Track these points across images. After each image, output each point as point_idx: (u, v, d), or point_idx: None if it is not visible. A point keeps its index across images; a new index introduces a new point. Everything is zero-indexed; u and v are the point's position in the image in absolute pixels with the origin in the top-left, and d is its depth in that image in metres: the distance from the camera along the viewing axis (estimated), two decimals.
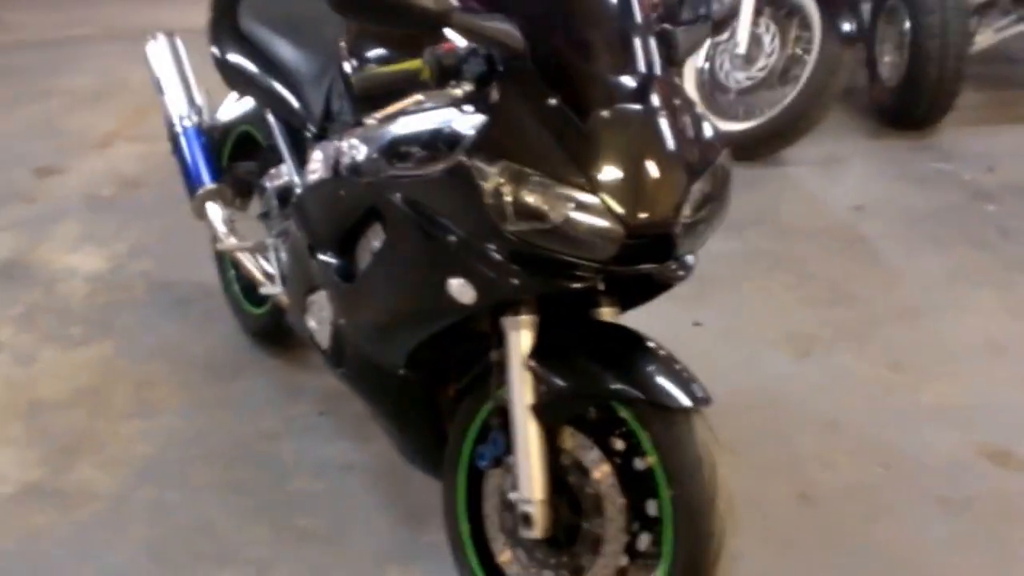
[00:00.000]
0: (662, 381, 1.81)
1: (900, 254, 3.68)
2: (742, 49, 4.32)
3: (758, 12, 4.31)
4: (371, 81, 1.93)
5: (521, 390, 1.87)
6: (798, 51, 4.22)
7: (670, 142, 1.75)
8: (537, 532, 1.91)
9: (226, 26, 2.76)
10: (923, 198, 4.07)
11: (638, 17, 1.83)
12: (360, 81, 1.92)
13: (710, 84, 4.50)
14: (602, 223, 1.70)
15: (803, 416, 2.81)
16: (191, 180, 2.91)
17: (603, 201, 1.70)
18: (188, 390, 2.94)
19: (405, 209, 1.95)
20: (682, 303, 3.29)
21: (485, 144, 1.77)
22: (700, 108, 1.99)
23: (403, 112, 1.91)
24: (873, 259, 3.67)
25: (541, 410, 1.86)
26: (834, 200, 4.09)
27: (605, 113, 1.73)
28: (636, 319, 2.91)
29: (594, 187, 1.70)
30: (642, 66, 1.79)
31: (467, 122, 1.82)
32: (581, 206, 1.70)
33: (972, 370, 3.02)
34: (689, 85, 4.53)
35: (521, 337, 1.87)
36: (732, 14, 2.04)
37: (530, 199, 1.71)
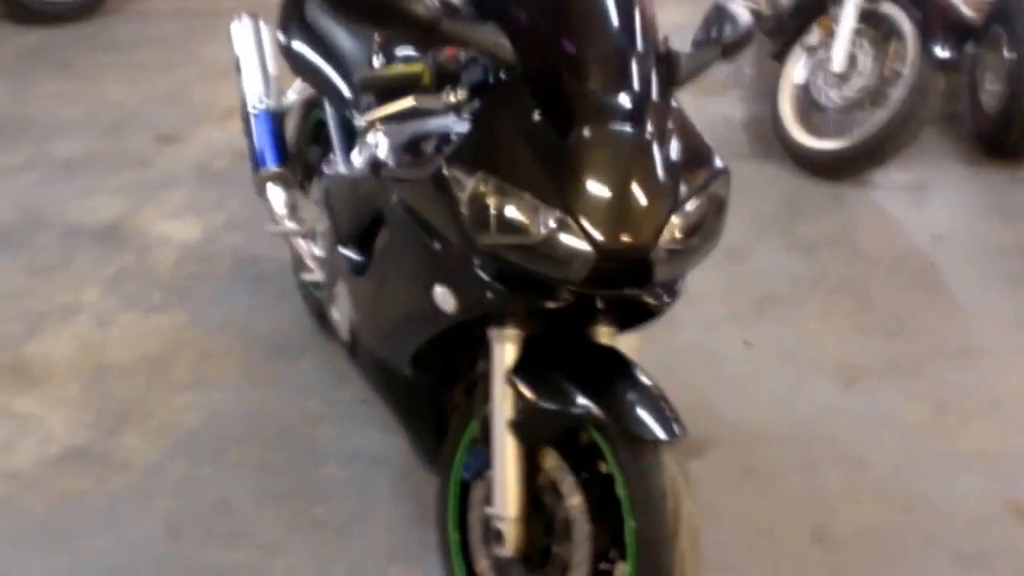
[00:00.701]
0: (637, 410, 1.73)
1: (971, 290, 3.46)
2: (838, 68, 4.12)
3: (856, 32, 4.10)
4: (373, 80, 1.89)
5: (502, 404, 1.81)
6: (893, 73, 3.99)
7: (651, 166, 1.67)
8: (508, 550, 1.86)
9: (293, 14, 2.74)
10: (1007, 233, 3.81)
11: (637, 36, 1.75)
12: (363, 80, 1.88)
13: (805, 101, 4.31)
14: (574, 243, 1.63)
15: (834, 449, 2.68)
16: (256, 161, 2.92)
17: (576, 221, 1.62)
18: (245, 366, 2.96)
19: (400, 211, 1.92)
20: (737, 321, 3.19)
21: (465, 154, 1.71)
22: (700, 132, 1.88)
23: (401, 115, 1.86)
24: (941, 292, 3.46)
25: (519, 426, 1.80)
26: (914, 227, 3.87)
27: (587, 132, 1.66)
28: (685, 332, 2.78)
29: (568, 206, 1.63)
30: (635, 86, 1.70)
31: (456, 129, 1.78)
32: (554, 224, 1.63)
33: (1016, 420, 2.83)
34: (784, 100, 4.35)
35: (505, 350, 1.81)
36: (743, 39, 1.92)
37: (503, 213, 1.65)
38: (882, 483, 2.57)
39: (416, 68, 1.83)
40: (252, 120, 2.94)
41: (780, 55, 4.48)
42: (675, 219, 1.68)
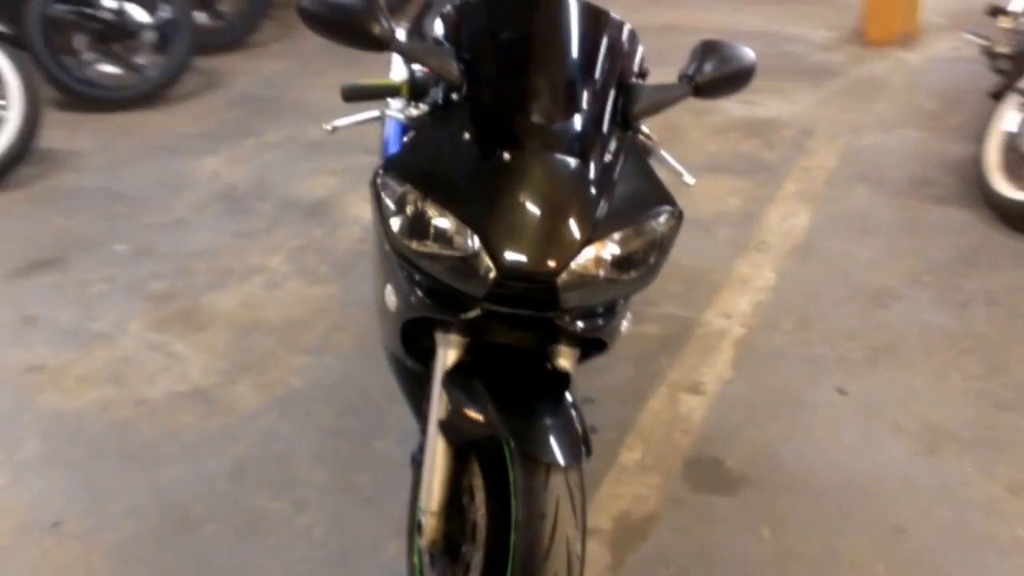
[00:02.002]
0: (541, 431, 1.68)
1: None
2: None
3: None
4: (355, 89, 1.95)
5: (436, 404, 1.82)
6: None
7: (568, 195, 1.63)
8: (423, 542, 1.87)
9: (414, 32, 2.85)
10: None
11: (591, 67, 1.73)
12: (346, 88, 1.94)
13: (1012, 149, 3.86)
14: (478, 260, 1.62)
15: (874, 513, 2.43)
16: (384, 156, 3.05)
17: (483, 240, 1.61)
18: (362, 341, 3.11)
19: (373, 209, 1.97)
20: (843, 365, 2.98)
21: (400, 163, 1.74)
22: (655, 166, 1.83)
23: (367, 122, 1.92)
24: None
25: (446, 428, 1.80)
26: None
27: (507, 156, 1.65)
28: (783, 368, 2.59)
29: (477, 225, 1.62)
30: (570, 117, 1.68)
31: (404, 140, 1.83)
32: (461, 240, 1.63)
33: None
34: (991, 144, 3.92)
35: (447, 354, 1.81)
36: (729, 78, 1.83)
37: (419, 223, 1.66)
38: (910, 559, 2.31)
39: (395, 81, 1.89)
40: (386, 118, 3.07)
41: (998, 95, 4.04)
42: (592, 250, 1.63)
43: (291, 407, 2.81)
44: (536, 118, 1.68)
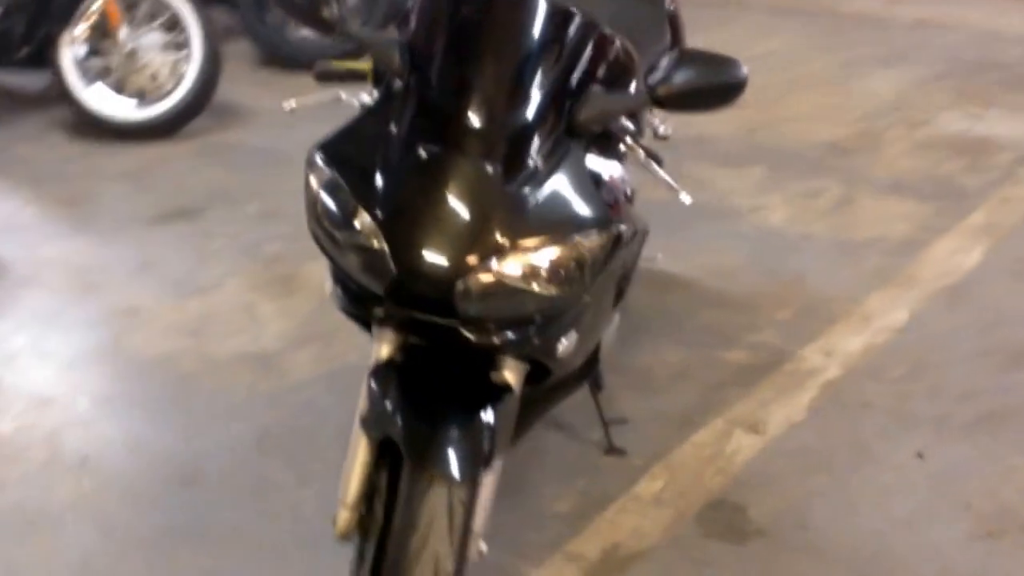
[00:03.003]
0: (439, 441, 1.70)
1: None
2: None
3: None
4: (328, 71, 2.02)
5: (362, 398, 1.86)
6: None
7: (479, 200, 1.64)
8: (336, 533, 1.92)
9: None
10: None
11: (540, 70, 1.74)
12: (319, 69, 2.02)
13: None
14: (380, 259, 1.65)
15: None
16: None
17: (385, 236, 1.64)
18: None
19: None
20: (939, 426, 2.83)
21: (332, 146, 1.78)
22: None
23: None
24: None
25: (364, 422, 1.84)
26: None
27: (425, 155, 1.68)
28: (869, 420, 2.50)
29: (383, 220, 1.65)
30: (497, 119, 1.69)
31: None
32: (367, 236, 1.66)
33: None
34: None
35: (379, 348, 1.85)
36: (687, 94, 1.75)
37: (330, 209, 1.70)
38: None
39: (364, 66, 1.96)
40: None
41: None
42: (499, 260, 1.62)
43: (338, 381, 2.95)
44: (467, 118, 1.69)
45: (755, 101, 5.34)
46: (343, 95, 1.96)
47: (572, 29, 1.83)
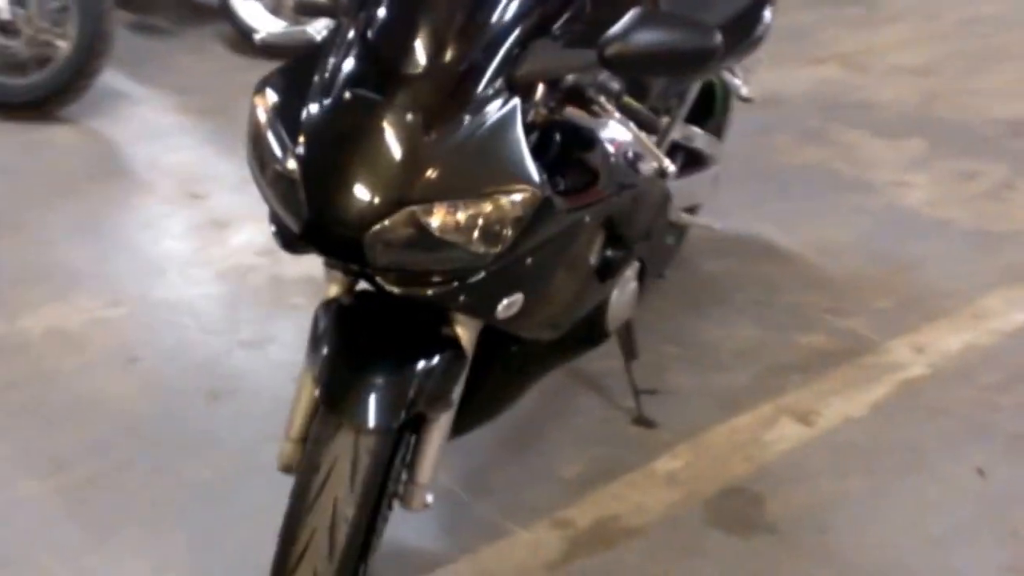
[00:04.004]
0: (357, 386, 1.73)
1: None
2: None
3: None
4: (307, 4, 1.99)
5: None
6: None
7: (393, 148, 1.62)
8: (278, 465, 1.93)
9: None
10: None
11: (487, 20, 1.70)
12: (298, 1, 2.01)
13: None
14: (294, 198, 1.67)
15: None
16: None
17: (301, 175, 1.66)
18: None
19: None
20: (1017, 445, 2.58)
21: (274, 80, 1.79)
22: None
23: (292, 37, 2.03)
24: None
25: (306, 358, 1.85)
26: None
27: (350, 98, 1.68)
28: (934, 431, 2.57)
29: (302, 163, 1.66)
30: (444, 70, 1.67)
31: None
32: (286, 173, 1.68)
33: None
34: None
35: (328, 287, 1.88)
36: (638, 57, 1.65)
37: (261, 145, 1.73)
38: None
39: None
40: None
41: None
42: (412, 212, 1.60)
43: None
44: (396, 64, 1.67)
45: (945, 68, 5.07)
46: (309, 29, 1.97)
47: None
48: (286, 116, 1.72)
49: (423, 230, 1.61)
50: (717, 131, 3.07)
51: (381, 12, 1.74)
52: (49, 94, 4.18)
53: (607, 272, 2.15)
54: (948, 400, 2.74)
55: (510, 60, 1.70)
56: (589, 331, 2.31)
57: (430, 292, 1.72)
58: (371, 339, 1.81)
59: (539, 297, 1.86)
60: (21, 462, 2.41)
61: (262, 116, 1.74)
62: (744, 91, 2.88)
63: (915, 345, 2.96)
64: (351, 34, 1.76)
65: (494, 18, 1.71)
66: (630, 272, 2.31)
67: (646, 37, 1.65)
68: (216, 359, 2.84)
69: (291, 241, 1.77)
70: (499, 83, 1.69)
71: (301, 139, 1.68)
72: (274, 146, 1.71)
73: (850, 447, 2.58)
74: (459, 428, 2.07)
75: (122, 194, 3.74)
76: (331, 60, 1.75)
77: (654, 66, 1.72)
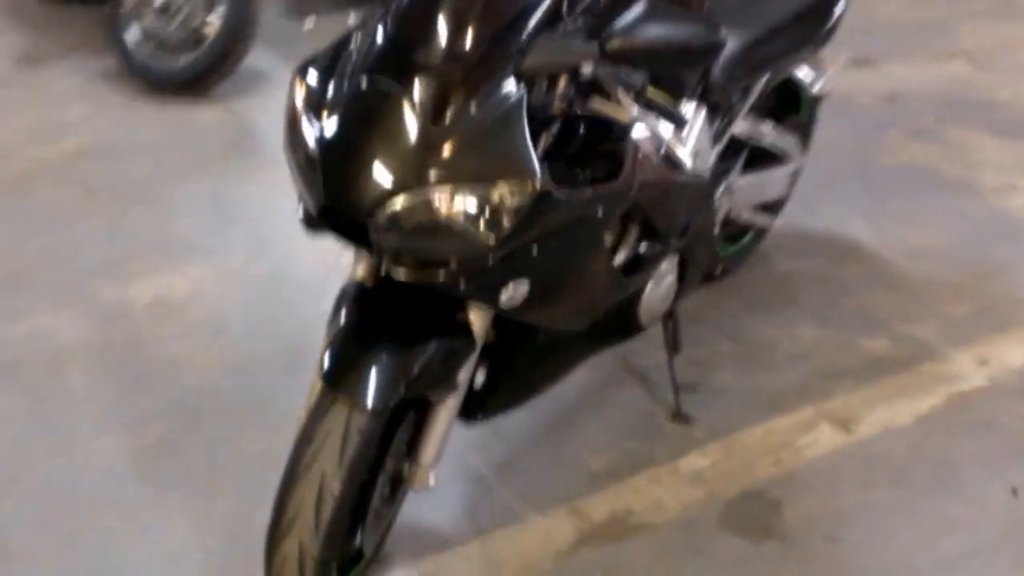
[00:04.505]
0: (357, 364, 1.84)
1: None
2: None
3: None
4: None
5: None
6: None
7: (401, 134, 1.69)
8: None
9: None
10: None
11: (485, 9, 1.74)
12: None
13: None
14: (313, 181, 1.77)
15: None
16: None
17: (319, 162, 1.76)
18: None
19: None
20: None
21: (310, 65, 1.88)
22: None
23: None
24: None
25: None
26: None
27: (364, 83, 1.75)
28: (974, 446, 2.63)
29: (321, 146, 1.76)
30: (458, 59, 1.72)
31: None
32: (309, 156, 1.78)
33: None
34: None
35: (356, 270, 1.99)
36: (638, 50, 1.72)
37: (292, 128, 1.83)
38: None
39: None
40: None
41: None
42: (415, 196, 1.68)
43: None
44: (415, 52, 1.74)
45: None
46: (352, 19, 2.05)
47: None
48: (316, 100, 1.82)
49: (424, 215, 1.69)
50: (801, 128, 3.07)
51: (404, 1, 1.82)
52: (198, 75, 4.49)
53: (635, 266, 2.21)
54: (999, 415, 2.71)
55: (519, 52, 1.74)
56: (620, 323, 2.39)
57: (432, 277, 1.81)
58: (380, 321, 1.93)
59: (547, 287, 1.93)
60: (103, 421, 2.69)
61: (297, 99, 1.84)
62: (816, 88, 2.88)
63: (979, 356, 2.91)
64: (378, 21, 1.84)
65: (507, 10, 1.76)
66: (666, 267, 2.37)
67: (647, 31, 1.72)
68: (300, 335, 3.03)
69: (312, 222, 1.87)
70: (508, 74, 1.74)
71: (323, 122, 1.78)
72: (304, 129, 1.81)
73: (884, 458, 2.59)
74: (487, 411, 2.22)
75: (251, 172, 3.99)
76: (357, 46, 1.85)
77: (656, 60, 1.76)
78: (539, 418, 2.67)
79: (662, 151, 2.02)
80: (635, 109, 1.89)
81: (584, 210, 1.88)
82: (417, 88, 1.72)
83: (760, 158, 2.95)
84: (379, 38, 1.80)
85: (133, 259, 3.38)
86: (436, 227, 1.71)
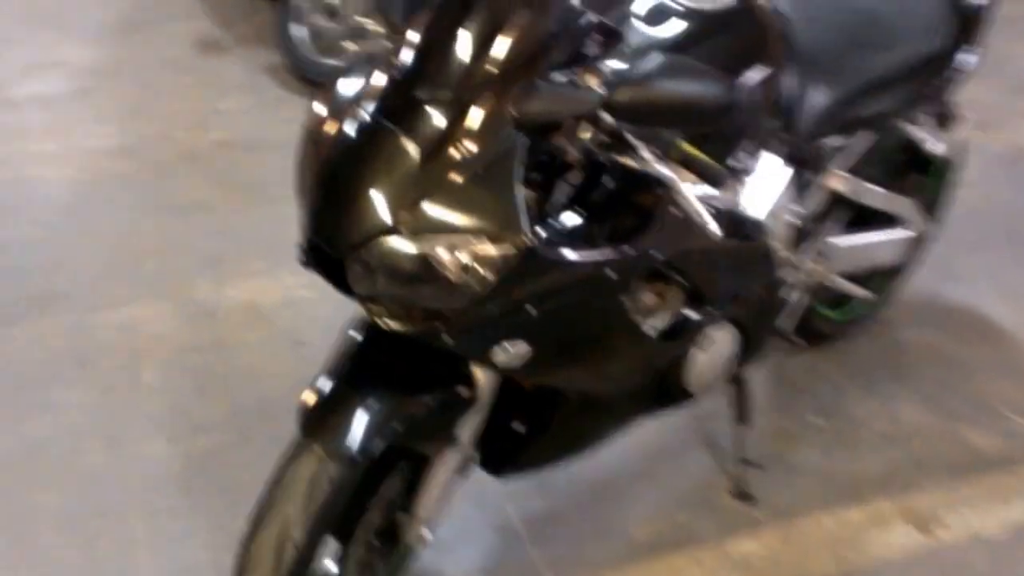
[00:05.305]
0: (337, 412, 1.78)
1: None
2: None
3: None
4: None
5: None
6: None
7: (388, 177, 1.61)
8: None
9: None
10: None
11: (488, 52, 1.64)
12: None
13: None
14: (306, 202, 1.71)
15: None
16: None
17: (308, 187, 1.70)
18: None
19: None
20: None
21: (326, 91, 1.81)
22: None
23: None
24: None
25: None
26: None
27: (361, 117, 1.68)
28: None
29: (312, 177, 1.70)
30: (455, 103, 1.62)
31: None
32: (308, 188, 1.72)
33: None
34: None
35: (360, 308, 1.87)
36: (643, 106, 1.59)
37: (303, 154, 1.76)
38: None
39: None
40: None
41: None
42: (393, 242, 1.60)
43: None
44: (413, 89, 1.66)
45: None
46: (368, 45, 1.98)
47: (553, 11, 1.70)
48: (323, 128, 1.75)
49: (400, 262, 1.61)
50: (926, 192, 2.82)
51: (411, 35, 1.74)
52: None
53: (674, 332, 2.05)
54: None
55: (521, 97, 1.63)
56: (663, 389, 2.23)
57: (414, 327, 1.71)
58: (375, 366, 1.84)
59: (553, 350, 1.81)
60: (161, 423, 2.72)
61: (309, 127, 1.79)
62: (932, 147, 2.63)
63: None
64: (388, 54, 1.77)
65: (514, 51, 1.65)
66: (720, 334, 2.20)
67: (656, 86, 1.59)
68: None
69: (305, 256, 1.78)
70: (506, 120, 1.63)
71: (323, 153, 1.71)
72: (309, 157, 1.75)
73: (962, 569, 2.33)
74: (518, 467, 2.12)
75: None
76: (364, 78, 1.78)
77: (660, 117, 1.63)
78: (589, 474, 2.53)
79: (694, 212, 1.83)
80: (661, 165, 1.73)
81: (591, 272, 1.74)
82: (411, 126, 1.63)
83: (875, 220, 2.71)
84: (385, 71, 1.73)
85: (237, 259, 3.42)
86: (412, 275, 1.61)
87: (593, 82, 1.65)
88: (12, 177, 3.80)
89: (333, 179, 1.68)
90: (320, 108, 1.80)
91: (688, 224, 1.84)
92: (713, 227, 1.84)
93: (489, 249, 1.59)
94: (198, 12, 5.27)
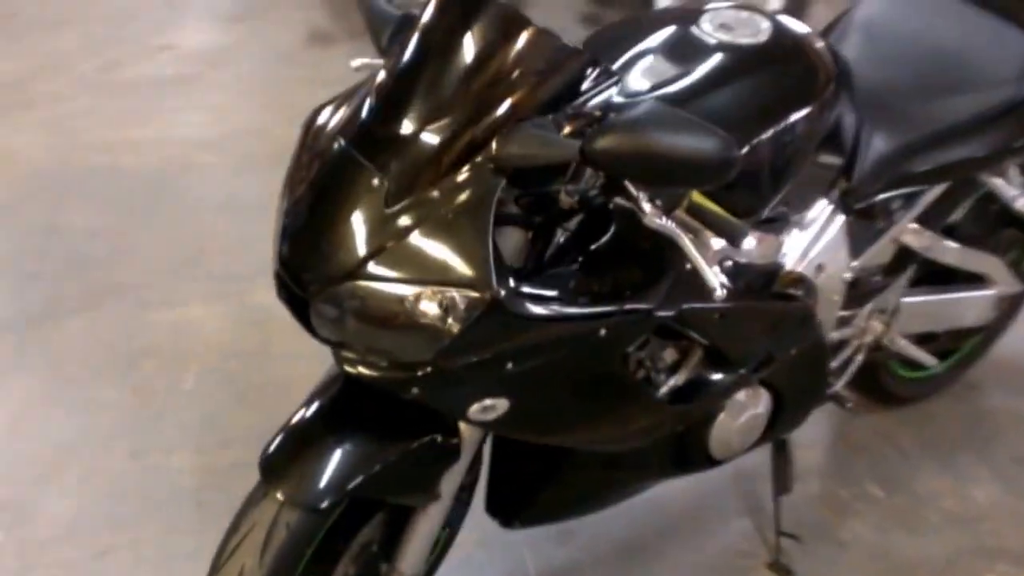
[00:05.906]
0: (303, 456, 1.68)
1: None
2: None
3: None
4: None
5: None
6: None
7: (348, 211, 1.52)
8: None
9: None
10: None
11: (465, 87, 1.54)
12: None
13: None
14: (275, 235, 1.62)
15: None
16: None
17: (281, 221, 1.62)
18: None
19: None
20: None
21: (320, 112, 1.71)
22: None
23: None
24: None
25: None
26: None
27: (335, 149, 1.58)
28: None
29: (287, 207, 1.62)
30: (431, 142, 1.51)
31: None
32: (281, 209, 1.64)
33: None
34: None
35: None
36: (620, 156, 1.42)
37: (287, 178, 1.67)
38: None
39: None
40: None
41: None
42: (352, 287, 1.50)
43: None
44: (387, 123, 1.56)
45: None
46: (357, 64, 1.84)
47: (540, 52, 1.57)
48: (305, 155, 1.65)
49: (362, 307, 1.51)
50: (1018, 248, 2.58)
51: (394, 65, 1.62)
52: None
53: (691, 393, 1.90)
54: None
55: (498, 139, 1.51)
56: (684, 453, 2.07)
57: (379, 376, 1.60)
58: (351, 410, 1.74)
59: (537, 408, 1.69)
60: (192, 432, 2.69)
61: (297, 152, 1.68)
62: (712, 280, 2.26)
63: None
64: (374, 81, 1.64)
65: (489, 92, 1.54)
66: (746, 397, 2.03)
67: (639, 136, 1.42)
68: None
69: (277, 289, 1.67)
70: (482, 162, 1.52)
71: (299, 182, 1.61)
72: (289, 183, 1.65)
73: None
74: (524, 520, 2.01)
75: None
76: (347, 105, 1.66)
77: (645, 172, 1.46)
78: (615, 527, 2.40)
79: (702, 268, 1.64)
80: (664, 217, 1.56)
81: (576, 329, 1.61)
82: (383, 162, 1.52)
83: (962, 276, 2.49)
84: (367, 100, 1.61)
85: None
86: (374, 323, 1.51)
87: (575, 128, 1.51)
88: (96, 164, 3.84)
89: (301, 214, 1.58)
90: (307, 132, 1.68)
91: (699, 281, 1.67)
92: (721, 283, 1.65)
93: (455, 299, 1.48)
94: (314, 1, 5.25)
